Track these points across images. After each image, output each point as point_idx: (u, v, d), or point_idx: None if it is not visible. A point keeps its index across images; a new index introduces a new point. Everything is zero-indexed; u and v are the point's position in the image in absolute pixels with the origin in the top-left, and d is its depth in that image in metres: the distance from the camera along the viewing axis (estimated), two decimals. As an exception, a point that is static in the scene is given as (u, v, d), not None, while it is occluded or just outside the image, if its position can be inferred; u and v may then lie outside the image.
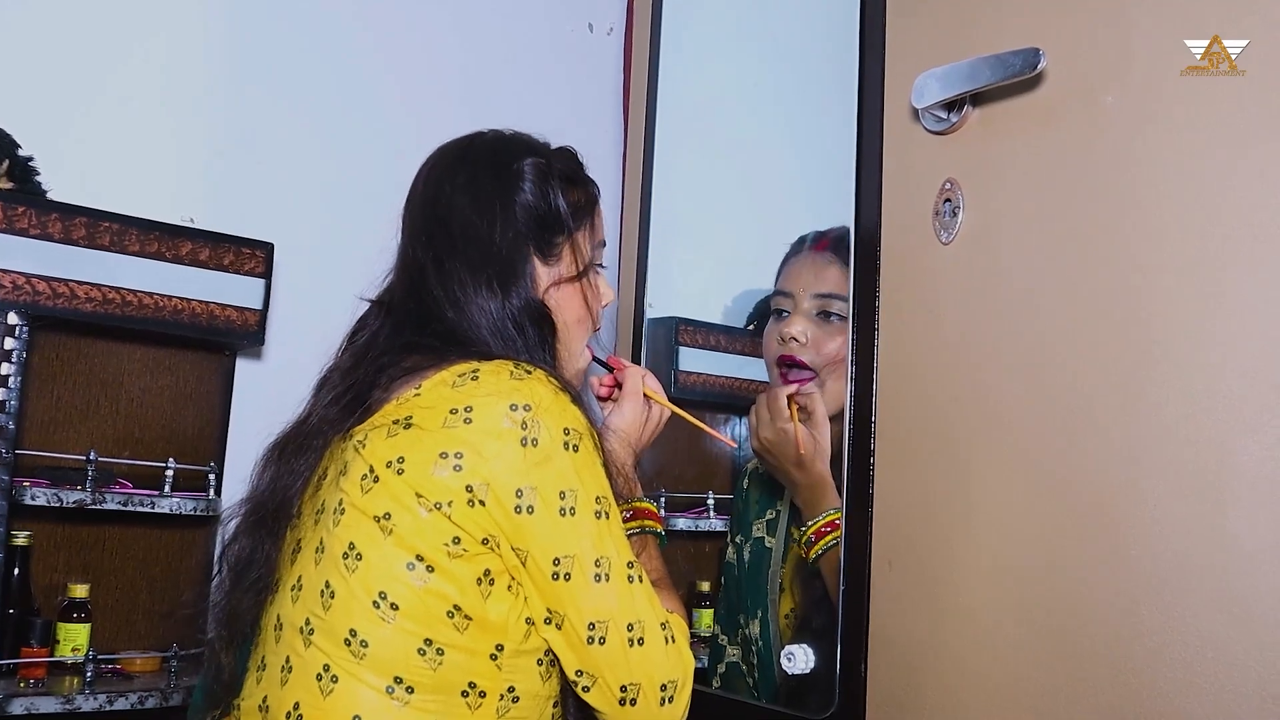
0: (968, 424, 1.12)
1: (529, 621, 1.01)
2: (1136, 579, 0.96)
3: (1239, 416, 0.92)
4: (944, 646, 1.11)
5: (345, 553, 1.00)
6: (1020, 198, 1.10)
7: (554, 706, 1.06)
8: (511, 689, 1.01)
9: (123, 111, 1.89)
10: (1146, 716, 0.94)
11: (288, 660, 1.01)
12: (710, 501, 1.86)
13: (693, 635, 1.76)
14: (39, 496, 1.63)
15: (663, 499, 1.75)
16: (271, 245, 1.84)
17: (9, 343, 1.61)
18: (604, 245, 1.23)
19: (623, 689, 1.01)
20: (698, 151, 1.77)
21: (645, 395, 1.24)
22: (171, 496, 1.75)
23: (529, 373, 1.03)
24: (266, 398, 1.78)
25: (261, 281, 1.82)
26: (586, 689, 1.02)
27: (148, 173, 1.89)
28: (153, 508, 1.73)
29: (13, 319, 1.61)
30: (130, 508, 1.72)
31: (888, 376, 1.21)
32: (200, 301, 1.76)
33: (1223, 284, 0.94)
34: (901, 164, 1.22)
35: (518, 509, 0.98)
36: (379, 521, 0.99)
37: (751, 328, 1.75)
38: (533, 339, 1.11)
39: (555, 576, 0.99)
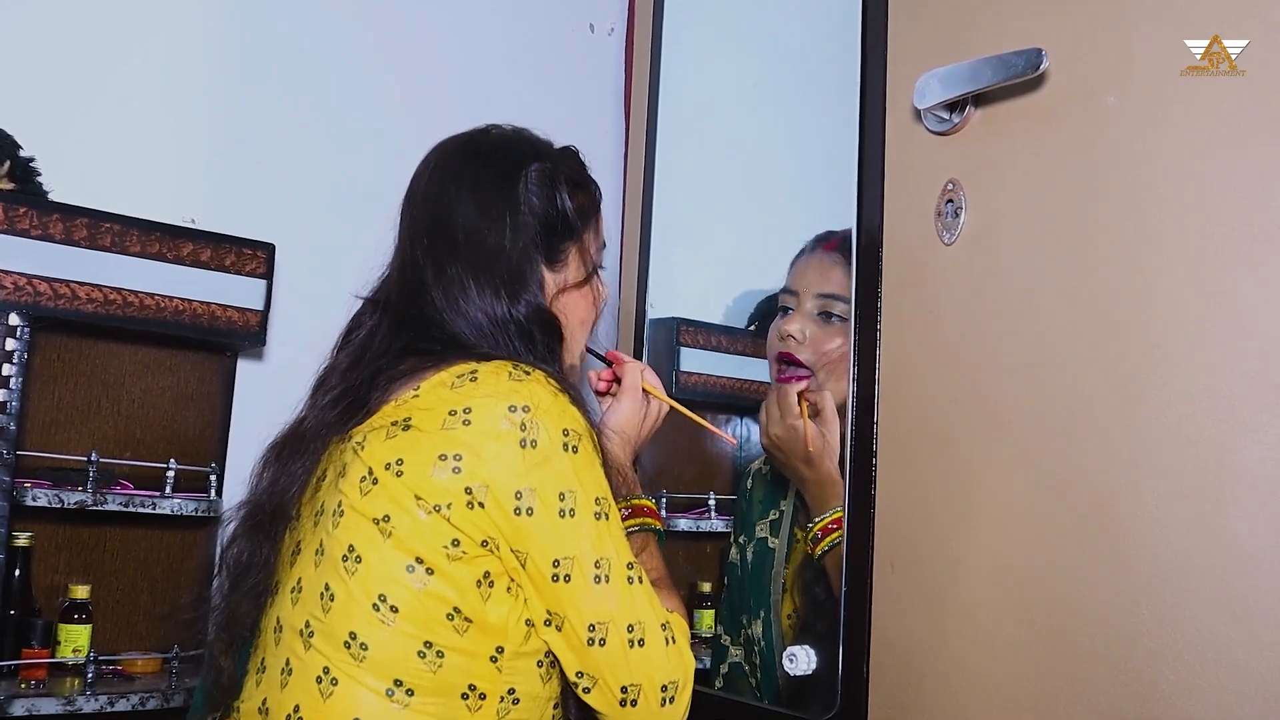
0: (969, 425, 1.12)
1: (529, 623, 1.01)
2: (1137, 579, 0.96)
3: (1239, 417, 0.92)
4: (945, 647, 1.11)
5: (345, 555, 0.99)
6: (1022, 198, 1.10)
7: (554, 708, 1.06)
8: (512, 691, 1.01)
9: (123, 111, 1.89)
10: (1147, 717, 0.94)
11: (288, 663, 1.01)
12: (711, 502, 1.86)
13: (694, 636, 1.76)
14: (40, 497, 1.62)
15: (664, 499, 1.75)
16: (273, 246, 1.84)
17: (10, 343, 1.61)
18: (605, 246, 1.23)
19: (623, 690, 1.00)
20: (699, 152, 1.77)
21: (644, 390, 1.24)
22: (173, 497, 1.75)
23: (528, 374, 1.03)
24: (268, 399, 1.77)
25: (263, 282, 1.82)
26: (587, 690, 1.01)
27: (148, 173, 1.89)
28: (154, 509, 1.73)
29: (14, 320, 1.61)
30: (131, 509, 1.71)
31: (890, 377, 1.21)
32: (201, 302, 1.76)
33: (1223, 284, 0.94)
34: (903, 165, 1.22)
35: (517, 510, 0.98)
36: (378, 524, 0.99)
37: (753, 328, 1.75)
38: (542, 350, 1.10)
39: (555, 578, 0.99)
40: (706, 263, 1.84)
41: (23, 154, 1.76)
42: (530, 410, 1.00)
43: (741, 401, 1.81)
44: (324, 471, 1.07)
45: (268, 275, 1.83)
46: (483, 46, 2.25)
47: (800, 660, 1.29)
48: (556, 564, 0.99)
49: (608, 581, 1.00)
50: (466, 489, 0.98)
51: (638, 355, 1.73)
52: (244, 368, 1.93)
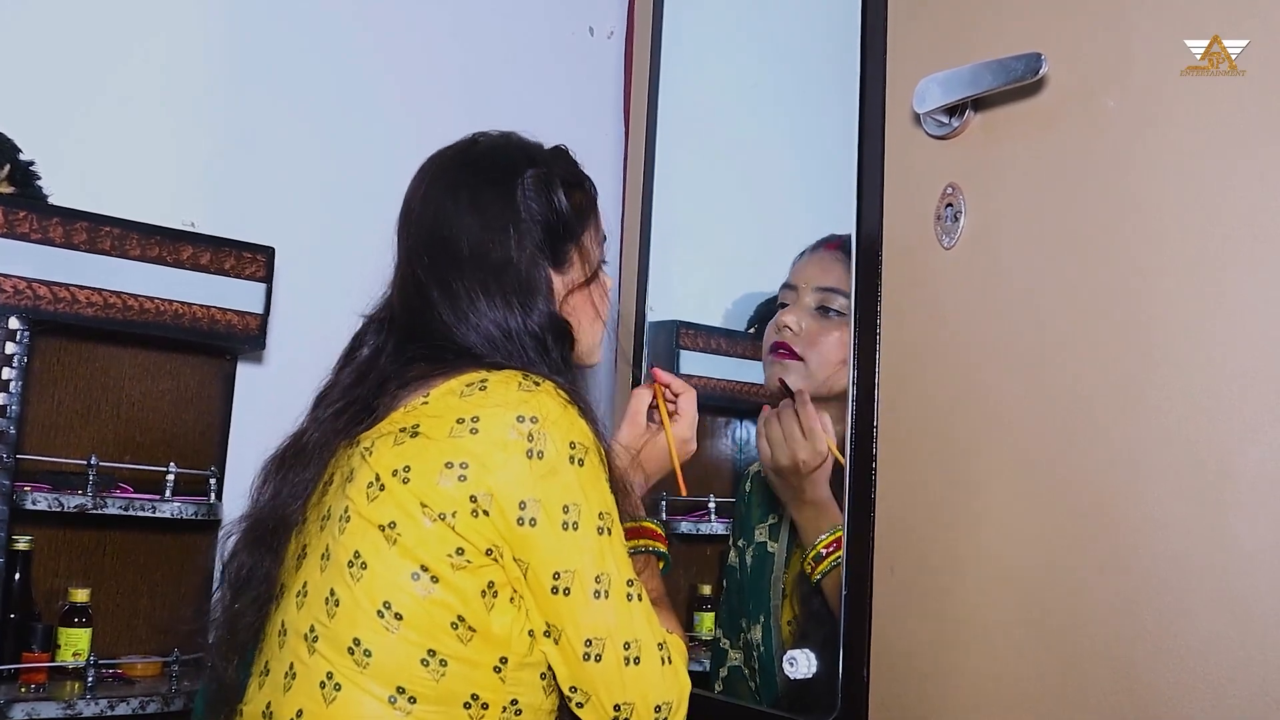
0: (970, 428, 1.12)
1: (532, 634, 1.01)
2: (1137, 580, 0.96)
3: (1239, 417, 0.92)
4: (946, 650, 1.11)
5: (350, 561, 0.99)
6: (1022, 202, 1.10)
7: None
8: (514, 701, 1.01)
9: (123, 113, 1.89)
10: (1147, 719, 0.94)
11: (291, 667, 1.01)
12: (711, 505, 1.86)
13: (694, 639, 1.76)
14: (40, 501, 1.62)
15: (664, 502, 1.75)
16: (273, 249, 1.84)
17: (10, 347, 1.61)
18: (605, 240, 1.23)
19: (616, 708, 1.00)
20: (699, 155, 1.78)
21: (660, 417, 1.24)
22: (172, 501, 1.75)
23: (538, 384, 1.02)
24: (267, 402, 1.78)
25: (262, 286, 1.82)
26: (580, 705, 1.01)
27: (148, 175, 1.89)
28: (154, 512, 1.73)
29: (14, 324, 1.61)
30: (131, 512, 1.71)
31: (890, 381, 1.21)
32: (201, 306, 1.76)
33: (1223, 285, 0.94)
34: (903, 168, 1.22)
35: (520, 521, 0.98)
36: (384, 530, 0.99)
37: (752, 331, 1.75)
38: (555, 358, 1.10)
39: (554, 590, 0.99)
40: (706, 265, 1.84)
41: (23, 157, 1.76)
42: (538, 421, 0.99)
43: (740, 404, 1.81)
44: (331, 476, 1.07)
45: (267, 279, 1.83)
46: (483, 49, 2.25)
47: (800, 664, 1.28)
48: (557, 576, 0.99)
49: (607, 597, 1.00)
50: (471, 497, 0.98)
51: (637, 358, 1.73)
52: (244, 371, 1.93)
